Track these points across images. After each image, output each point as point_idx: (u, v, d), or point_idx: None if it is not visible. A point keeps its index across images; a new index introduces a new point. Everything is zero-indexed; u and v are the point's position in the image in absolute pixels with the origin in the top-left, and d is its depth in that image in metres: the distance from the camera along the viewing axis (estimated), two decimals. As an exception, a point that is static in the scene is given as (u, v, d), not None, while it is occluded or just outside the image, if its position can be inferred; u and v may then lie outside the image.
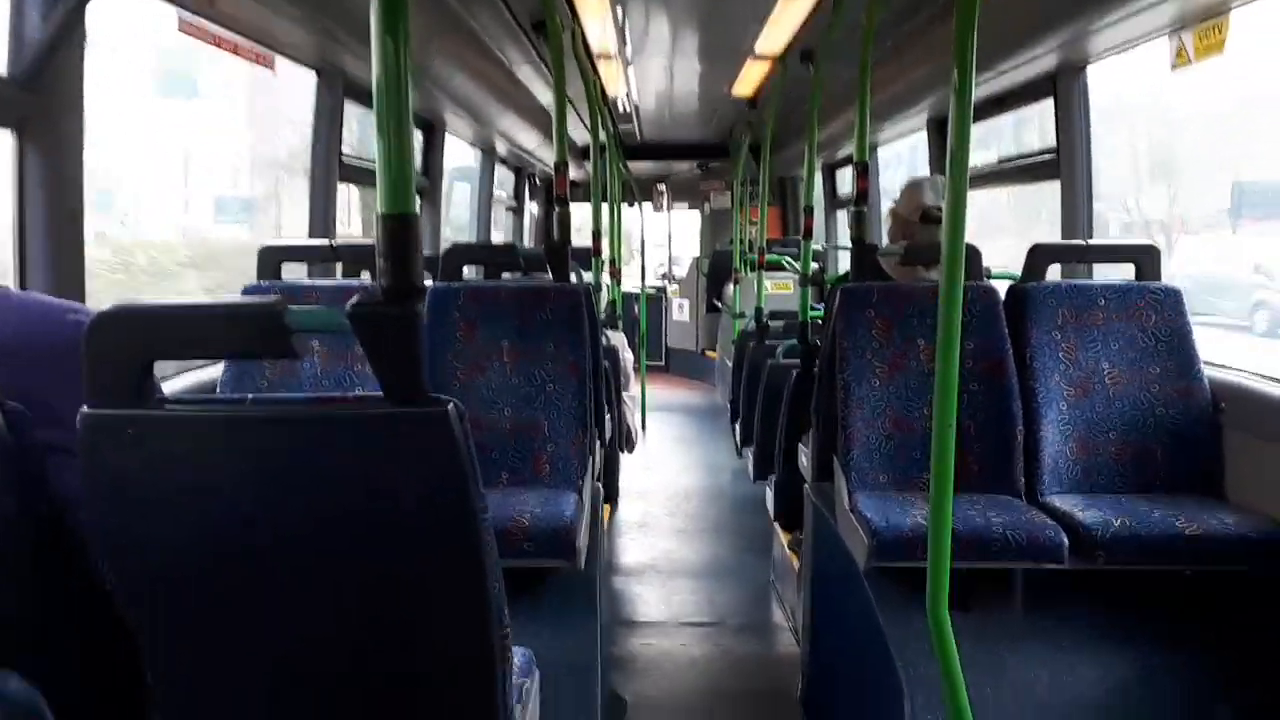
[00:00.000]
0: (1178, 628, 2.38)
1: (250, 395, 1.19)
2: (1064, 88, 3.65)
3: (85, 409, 1.12)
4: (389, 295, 1.14)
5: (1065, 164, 3.66)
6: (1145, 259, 2.84)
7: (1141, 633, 2.38)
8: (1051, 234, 3.66)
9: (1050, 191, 3.73)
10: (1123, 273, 2.96)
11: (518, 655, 1.60)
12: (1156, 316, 2.73)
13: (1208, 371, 2.70)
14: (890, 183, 6.49)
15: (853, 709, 2.64)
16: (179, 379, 2.64)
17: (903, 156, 6.12)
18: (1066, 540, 2.29)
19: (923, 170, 5.28)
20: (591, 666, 2.44)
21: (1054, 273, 2.93)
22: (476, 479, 1.19)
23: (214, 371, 2.70)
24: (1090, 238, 3.59)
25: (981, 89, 3.97)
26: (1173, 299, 2.74)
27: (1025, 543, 2.27)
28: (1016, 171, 4.19)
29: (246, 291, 2.70)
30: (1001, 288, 2.86)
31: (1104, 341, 2.73)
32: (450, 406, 1.15)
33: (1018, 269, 2.91)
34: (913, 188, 3.12)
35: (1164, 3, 2.72)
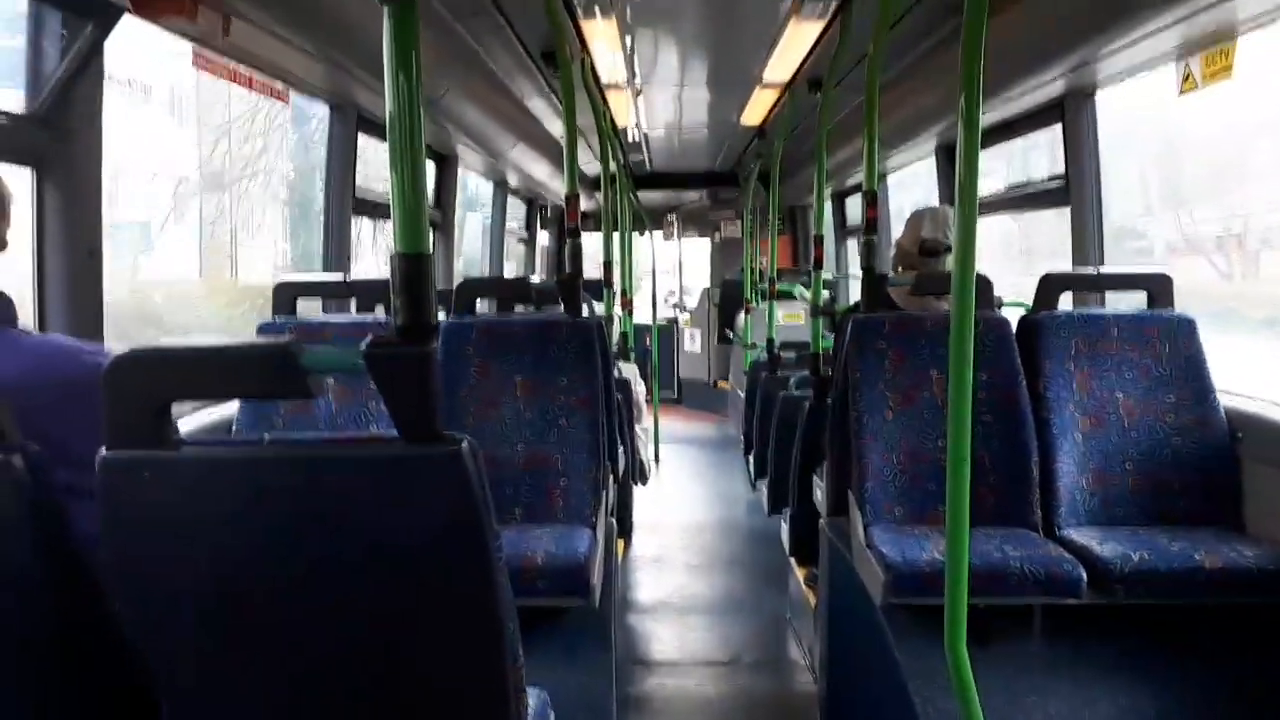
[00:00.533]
0: (1198, 662, 2.34)
1: (267, 436, 1.19)
2: (1072, 113, 3.65)
3: (103, 451, 1.12)
4: (403, 334, 1.14)
5: (1075, 190, 3.65)
6: (1158, 287, 2.82)
7: (1162, 667, 2.34)
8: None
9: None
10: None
11: (532, 696, 1.58)
12: (1170, 345, 2.71)
13: (1224, 400, 2.67)
14: (904, 205, 6.49)
15: None
16: (194, 417, 2.64)
17: (920, 178, 6.10)
18: (1084, 574, 2.26)
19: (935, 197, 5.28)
20: (606, 707, 2.41)
21: (1065, 301, 2.92)
22: (490, 517, 1.18)
23: (230, 409, 2.71)
24: (1101, 264, 3.58)
25: (989, 115, 3.98)
26: (1186, 327, 2.72)
27: (1043, 577, 2.24)
28: (1025, 199, 4.18)
29: (261, 328, 2.71)
30: (1013, 317, 2.84)
31: (1118, 371, 2.71)
32: (464, 445, 1.14)
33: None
34: (914, 219, 3.13)
35: (1171, 28, 2.73)
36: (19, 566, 1.13)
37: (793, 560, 4.03)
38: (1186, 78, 3.06)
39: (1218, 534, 2.42)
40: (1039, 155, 4.22)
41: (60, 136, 2.08)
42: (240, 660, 1.27)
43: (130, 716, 1.30)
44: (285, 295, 2.81)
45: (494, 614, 1.22)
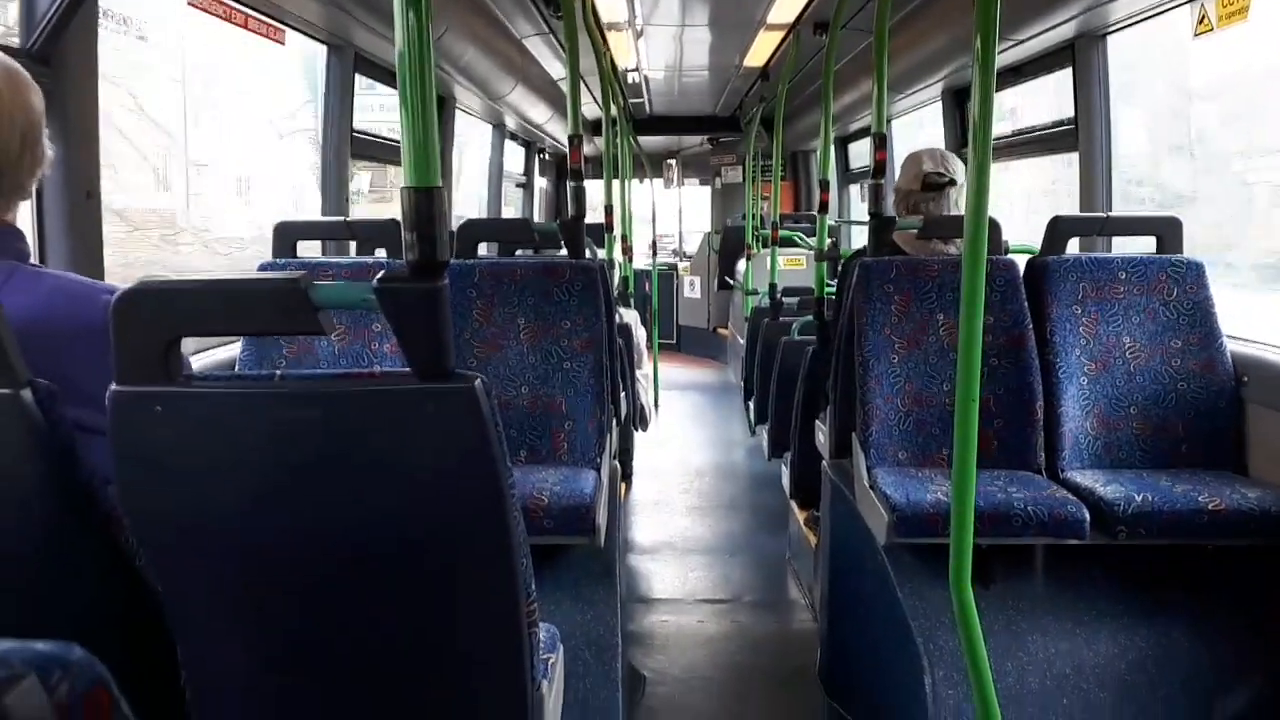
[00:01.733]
0: (1199, 602, 2.37)
1: (279, 371, 1.18)
2: (1083, 57, 3.59)
3: (113, 386, 1.12)
4: (415, 270, 1.13)
5: (1084, 135, 3.61)
6: (1167, 231, 2.81)
7: (1163, 607, 2.38)
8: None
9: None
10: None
11: (543, 630, 1.60)
12: (1178, 290, 2.70)
13: (1230, 345, 2.67)
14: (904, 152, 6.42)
15: (873, 683, 2.64)
16: (196, 359, 2.64)
17: (924, 122, 6.02)
18: (1088, 516, 2.28)
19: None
20: (612, 642, 2.45)
21: (1073, 246, 2.90)
22: (504, 454, 1.19)
23: (232, 351, 2.70)
24: (1110, 209, 3.55)
25: (998, 59, 3.91)
26: (1194, 272, 2.71)
27: (1047, 518, 2.26)
28: (1034, 143, 4.14)
29: (262, 268, 2.70)
30: (1020, 261, 2.83)
31: (1124, 315, 2.70)
32: (477, 382, 1.14)
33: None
34: (912, 158, 3.08)
35: None
36: (29, 501, 1.13)
37: (793, 503, 4.07)
38: (1201, 19, 3.01)
39: (1221, 476, 2.43)
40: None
41: (54, 76, 2.04)
42: (254, 594, 1.28)
43: (143, 652, 1.32)
44: (285, 237, 2.79)
45: (508, 549, 1.23)
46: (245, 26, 3.03)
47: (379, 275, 1.13)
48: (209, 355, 2.69)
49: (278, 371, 1.18)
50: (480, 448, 1.16)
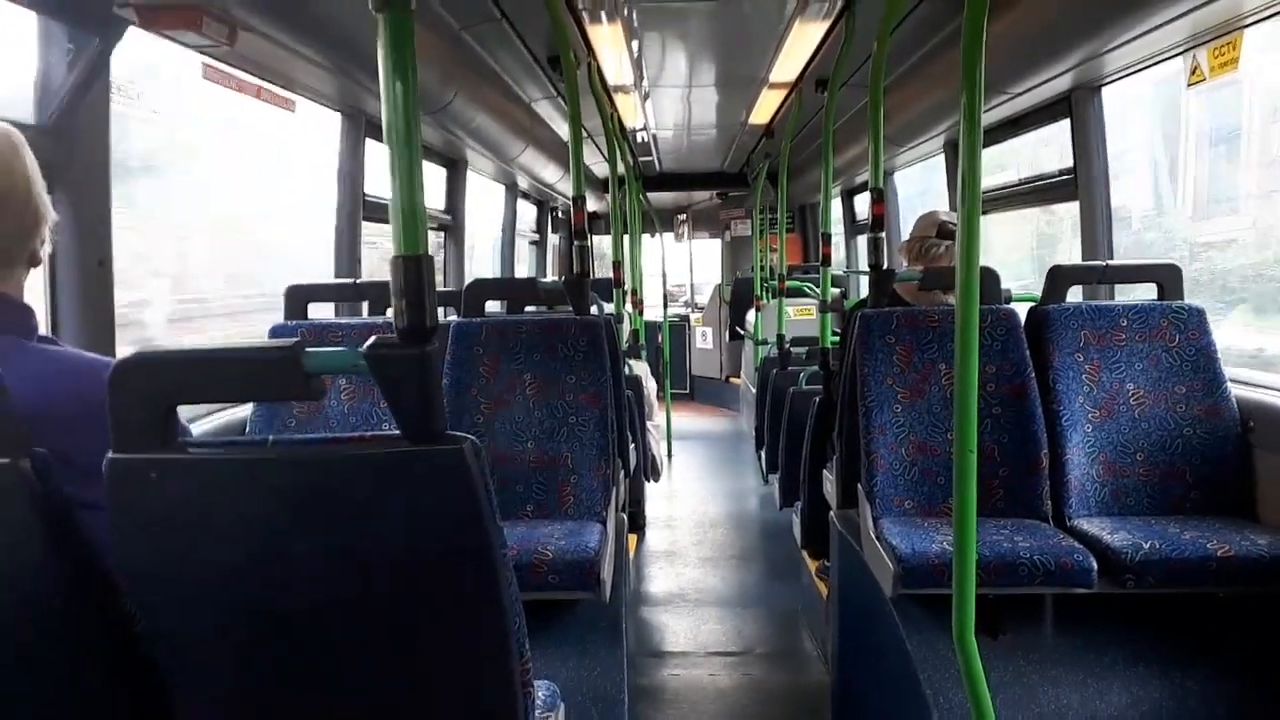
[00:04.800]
0: (1210, 651, 2.33)
1: (271, 437, 1.21)
2: (1080, 108, 3.65)
3: (110, 454, 1.15)
4: (404, 335, 1.17)
5: (1083, 184, 3.65)
6: (1168, 278, 2.82)
7: (1173, 657, 2.34)
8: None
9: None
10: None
11: (542, 689, 1.60)
12: (1180, 336, 2.71)
13: (1235, 390, 2.67)
14: (914, 201, 6.47)
15: None
16: (210, 419, 2.68)
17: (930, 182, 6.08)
18: (1095, 564, 2.26)
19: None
20: (618, 698, 2.43)
21: (1075, 295, 2.92)
22: (494, 515, 1.20)
23: (245, 410, 2.75)
24: (1110, 258, 3.58)
25: (996, 111, 3.97)
26: (1196, 318, 2.72)
27: (1053, 567, 2.25)
28: (1033, 193, 4.18)
29: (274, 331, 2.75)
30: (1022, 310, 2.85)
31: (1127, 362, 2.71)
32: (467, 445, 1.16)
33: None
34: (929, 213, 3.16)
35: (1176, 20, 2.72)
36: (29, 569, 1.16)
37: (804, 553, 4.05)
38: (1194, 70, 3.06)
39: (1229, 523, 2.41)
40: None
41: (68, 148, 2.11)
42: (251, 659, 1.29)
43: (142, 716, 1.33)
44: (297, 300, 2.85)
45: (499, 610, 1.24)
46: (258, 96, 3.13)
47: (369, 342, 1.17)
48: (222, 416, 2.74)
49: (270, 438, 1.21)
50: (470, 508, 1.18)
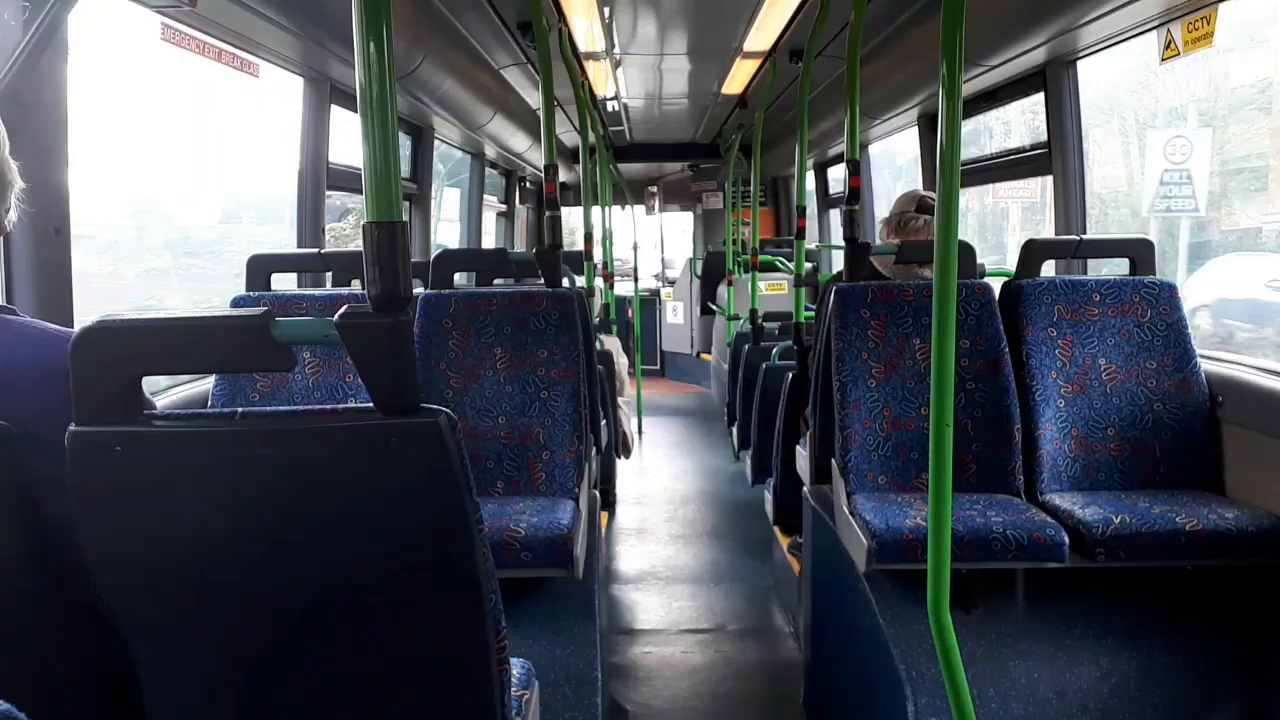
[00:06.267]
0: (1180, 623, 2.36)
1: (240, 409, 1.17)
2: (1054, 82, 3.64)
3: (72, 427, 1.10)
4: (377, 305, 1.12)
5: (1057, 158, 3.65)
6: (1140, 253, 2.83)
7: (1143, 629, 2.37)
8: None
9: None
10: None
11: (516, 667, 1.58)
12: (1152, 311, 2.72)
13: (1205, 365, 2.69)
14: (885, 178, 6.47)
15: (856, 712, 2.62)
16: (170, 394, 2.61)
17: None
18: (1067, 539, 2.27)
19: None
20: (592, 676, 2.42)
21: (1049, 269, 2.92)
22: (470, 489, 1.17)
23: (207, 384, 2.68)
24: (1084, 232, 3.58)
25: (971, 84, 3.96)
26: (1168, 293, 2.73)
27: (1026, 542, 2.26)
28: (1008, 167, 4.18)
29: (235, 303, 2.68)
30: (996, 285, 2.84)
31: (1100, 337, 2.71)
32: (441, 417, 1.13)
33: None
34: (907, 191, 3.15)
35: None
36: None
37: (776, 529, 4.05)
38: (1168, 44, 3.05)
39: (1198, 497, 2.44)
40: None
41: (23, 112, 2.03)
42: (219, 635, 1.26)
43: (108, 696, 1.29)
44: (259, 270, 2.77)
45: (475, 586, 1.21)
46: (219, 60, 3.02)
47: (341, 310, 1.12)
48: (181, 390, 2.66)
49: (239, 410, 1.16)
50: (445, 483, 1.14)
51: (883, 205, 6.06)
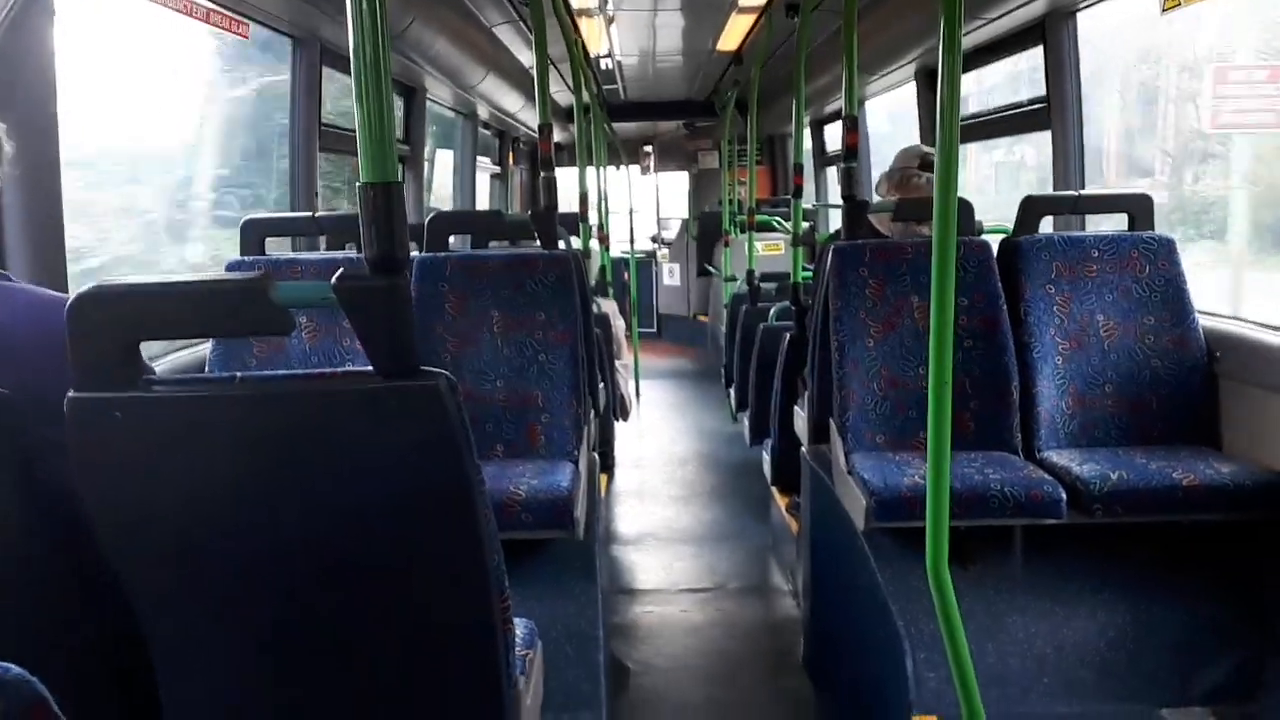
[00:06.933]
0: (1176, 578, 2.38)
1: (239, 374, 1.16)
2: (1053, 35, 3.59)
3: (71, 393, 1.09)
4: (375, 267, 1.12)
5: (1056, 113, 3.61)
6: (1138, 208, 2.81)
7: (1140, 584, 2.39)
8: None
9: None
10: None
11: (519, 626, 1.59)
12: (1150, 267, 2.71)
13: (1202, 321, 2.68)
14: (881, 134, 6.40)
15: (855, 667, 2.65)
16: (166, 359, 2.60)
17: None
18: (1064, 495, 2.28)
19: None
20: (593, 635, 2.44)
21: (1046, 225, 2.90)
22: (471, 451, 1.17)
23: (203, 350, 2.67)
24: (1083, 188, 3.56)
25: (970, 38, 3.91)
26: (1166, 248, 2.72)
27: (1023, 499, 2.27)
28: (1007, 122, 4.14)
29: (230, 267, 2.66)
30: (994, 242, 2.83)
31: (1098, 293, 2.71)
32: (441, 380, 1.12)
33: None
34: (911, 147, 3.12)
35: None
36: None
37: (774, 489, 4.07)
38: (1170, -7, 3.01)
39: (1195, 452, 2.45)
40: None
41: (11, 74, 2.00)
42: (223, 598, 1.26)
43: (119, 662, 1.30)
44: (253, 234, 2.75)
45: (478, 547, 1.22)
46: (207, 20, 2.97)
47: (338, 273, 1.11)
48: (178, 356, 2.65)
49: (238, 374, 1.16)
50: (446, 445, 1.14)
51: (881, 162, 6.01)
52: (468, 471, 1.17)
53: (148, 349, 1.16)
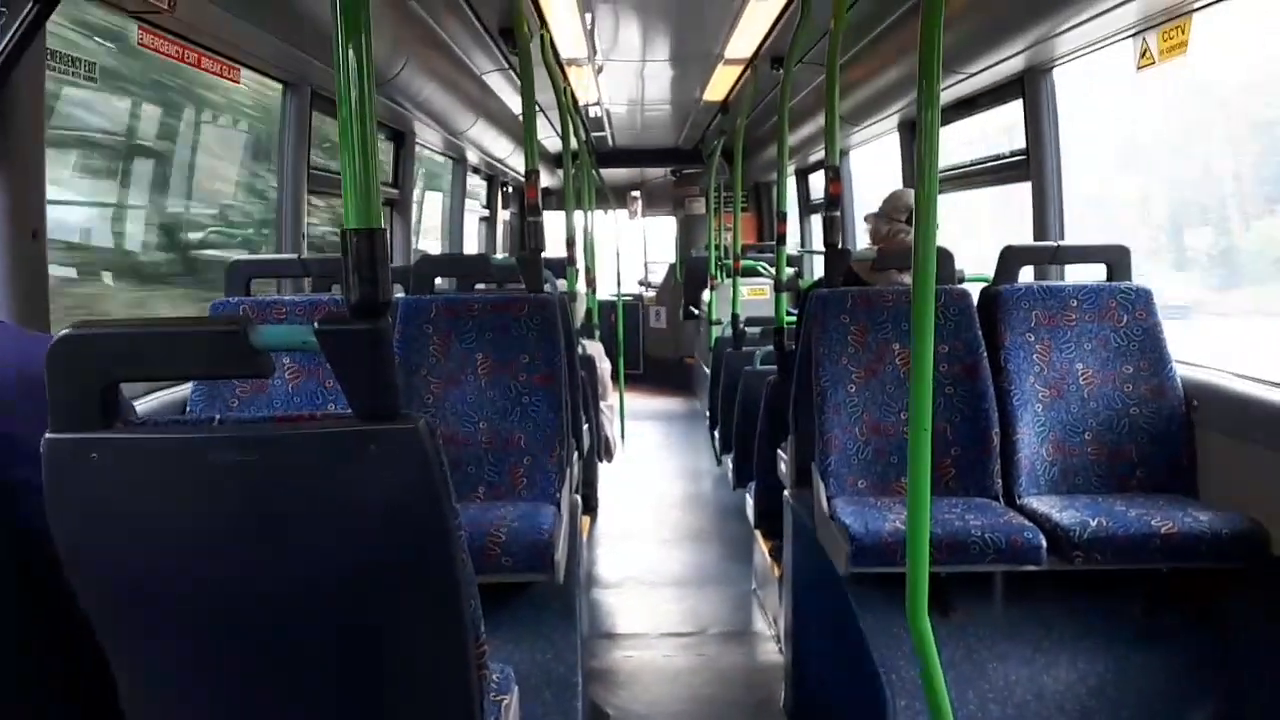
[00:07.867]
0: (1155, 625, 2.39)
1: (218, 416, 1.17)
2: (1032, 89, 3.67)
3: (48, 434, 1.09)
4: (356, 311, 1.13)
5: (1035, 165, 3.68)
6: (1116, 259, 2.86)
7: (1120, 631, 2.39)
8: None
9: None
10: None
11: (496, 672, 1.57)
12: (1128, 316, 2.75)
13: (1180, 370, 2.72)
14: (866, 184, 6.49)
15: (837, 715, 2.63)
16: (148, 400, 2.59)
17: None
18: (1044, 542, 2.29)
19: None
20: (572, 680, 2.41)
21: (1026, 275, 2.94)
22: (449, 495, 1.17)
23: (185, 389, 2.66)
24: (1062, 238, 3.62)
25: (951, 91, 3.99)
26: (1144, 299, 2.76)
27: (1004, 545, 2.27)
28: (987, 173, 4.21)
29: (215, 308, 2.66)
30: (974, 291, 2.87)
31: (1077, 342, 2.74)
32: (420, 423, 1.13)
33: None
34: (895, 194, 3.17)
35: (1127, 3, 2.75)
36: None
37: (758, 533, 4.06)
38: (1144, 53, 3.09)
39: (1173, 500, 2.47)
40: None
41: (2, 116, 2.01)
42: (195, 640, 1.25)
43: (86, 700, 1.28)
44: (239, 276, 2.76)
45: (455, 592, 1.21)
46: (199, 66, 3.01)
47: (320, 317, 1.12)
48: (159, 396, 2.64)
49: (217, 416, 1.16)
50: (424, 489, 1.15)
51: (863, 210, 6.08)
52: (445, 515, 1.17)
53: (130, 386, 1.16)
